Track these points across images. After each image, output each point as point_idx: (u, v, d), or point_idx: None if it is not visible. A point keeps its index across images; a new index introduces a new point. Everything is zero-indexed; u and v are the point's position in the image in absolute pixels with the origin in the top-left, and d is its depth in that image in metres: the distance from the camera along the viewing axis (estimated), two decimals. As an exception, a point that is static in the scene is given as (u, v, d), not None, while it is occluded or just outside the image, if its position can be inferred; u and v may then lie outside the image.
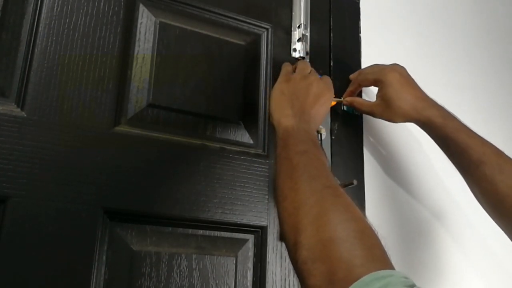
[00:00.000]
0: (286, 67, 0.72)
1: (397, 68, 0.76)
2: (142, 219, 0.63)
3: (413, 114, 0.73)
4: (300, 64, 0.72)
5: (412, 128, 0.96)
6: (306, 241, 0.46)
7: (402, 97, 0.73)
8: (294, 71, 0.71)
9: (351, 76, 0.82)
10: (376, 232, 0.48)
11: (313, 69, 0.71)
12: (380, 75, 0.75)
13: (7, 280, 0.54)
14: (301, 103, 0.64)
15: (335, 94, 0.80)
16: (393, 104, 0.73)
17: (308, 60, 0.81)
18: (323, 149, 0.65)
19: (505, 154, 0.70)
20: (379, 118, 0.78)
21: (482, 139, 0.71)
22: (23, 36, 0.61)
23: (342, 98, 0.81)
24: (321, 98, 0.66)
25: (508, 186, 0.66)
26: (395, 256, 0.84)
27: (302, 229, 0.47)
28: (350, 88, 0.81)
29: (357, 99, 0.80)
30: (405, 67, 0.98)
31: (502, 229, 0.68)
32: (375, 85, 0.77)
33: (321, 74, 0.79)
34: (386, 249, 0.47)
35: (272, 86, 0.76)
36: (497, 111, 1.10)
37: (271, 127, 0.72)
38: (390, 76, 0.74)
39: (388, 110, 0.74)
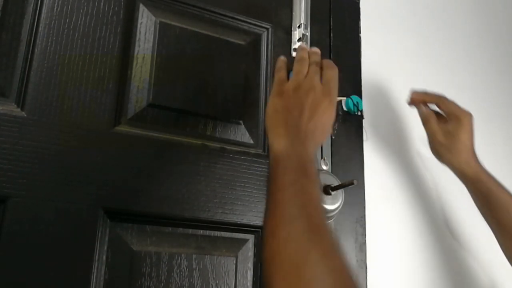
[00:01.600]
0: (279, 75, 0.63)
1: (471, 116, 0.78)
2: (142, 219, 0.63)
3: (463, 165, 0.77)
4: (295, 66, 0.63)
5: (412, 128, 0.96)
6: None
7: (466, 145, 0.76)
8: (288, 74, 0.65)
9: (427, 93, 0.82)
10: (356, 284, 0.43)
11: (313, 61, 0.64)
12: (460, 113, 0.77)
13: (8, 280, 0.54)
14: (295, 119, 0.57)
15: (335, 94, 0.81)
16: (456, 146, 0.76)
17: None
18: (317, 175, 0.55)
19: None
20: (434, 147, 0.80)
21: None
22: (23, 36, 0.61)
23: (344, 97, 0.81)
24: (319, 107, 0.58)
25: None
26: (395, 256, 0.85)
27: (275, 285, 0.43)
28: (423, 98, 0.81)
29: (434, 118, 0.80)
30: (404, 67, 0.99)
31: None
32: (448, 117, 0.78)
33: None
34: None
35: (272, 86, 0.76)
36: (497, 111, 1.10)
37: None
38: (468, 120, 0.76)
39: (448, 148, 0.77)
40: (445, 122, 0.78)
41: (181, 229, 0.65)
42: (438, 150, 0.79)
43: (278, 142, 0.55)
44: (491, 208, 0.76)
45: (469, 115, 0.77)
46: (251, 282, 0.68)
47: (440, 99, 0.80)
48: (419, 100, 0.81)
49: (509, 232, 0.74)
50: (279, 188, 0.50)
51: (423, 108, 0.81)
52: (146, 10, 0.70)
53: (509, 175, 1.06)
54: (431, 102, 0.81)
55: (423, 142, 0.96)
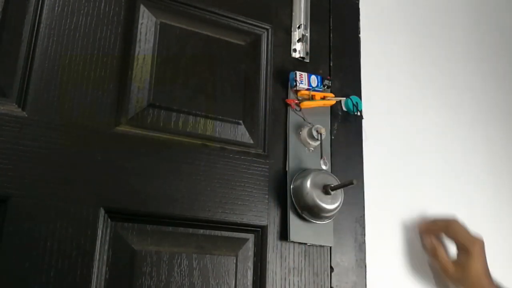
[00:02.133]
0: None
1: (481, 242, 0.78)
2: (143, 218, 0.63)
3: None
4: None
5: (411, 128, 0.96)
6: None
7: (479, 276, 0.76)
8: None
9: (436, 222, 0.83)
10: None
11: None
12: (470, 243, 0.77)
13: (8, 280, 0.55)
14: None
15: (335, 94, 0.81)
16: (469, 278, 0.76)
17: (308, 61, 0.81)
18: None
19: None
20: (446, 279, 0.81)
21: None
22: (24, 37, 0.62)
23: (344, 97, 0.82)
24: None
25: None
26: (395, 256, 0.85)
27: None
28: (431, 228, 0.83)
29: (442, 251, 0.81)
30: (404, 67, 0.99)
31: None
32: (458, 246, 0.80)
33: (321, 75, 0.79)
34: None
35: (272, 86, 0.77)
36: (497, 111, 1.10)
37: (272, 128, 0.72)
38: (478, 249, 0.77)
39: (460, 280, 0.78)
40: (457, 252, 0.79)
41: (181, 228, 0.66)
42: (451, 281, 0.80)
43: None
44: None
45: (478, 244, 0.77)
46: (251, 282, 0.68)
47: (447, 227, 0.80)
48: (427, 232, 0.82)
49: None
50: None
51: (429, 240, 0.82)
52: (146, 10, 0.70)
53: (509, 175, 1.07)
54: (440, 232, 0.82)
55: (423, 142, 0.97)
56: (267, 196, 0.71)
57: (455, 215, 0.84)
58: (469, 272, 0.76)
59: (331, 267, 0.74)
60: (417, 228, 0.84)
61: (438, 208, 0.93)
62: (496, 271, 0.80)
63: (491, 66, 1.13)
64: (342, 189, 0.72)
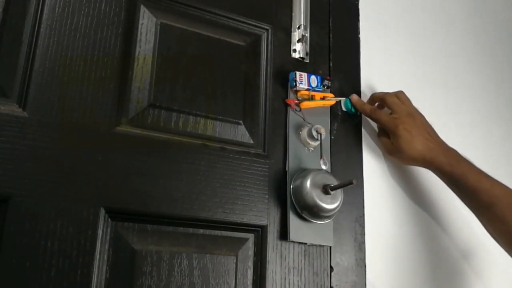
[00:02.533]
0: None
1: (408, 117, 0.79)
2: (143, 218, 0.64)
3: (421, 163, 0.80)
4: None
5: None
6: None
7: (412, 147, 0.78)
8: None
9: (376, 95, 0.85)
10: None
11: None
12: (392, 125, 0.79)
13: (9, 279, 0.55)
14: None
15: (335, 94, 0.81)
16: (404, 153, 0.79)
17: (308, 61, 0.82)
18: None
19: None
20: (390, 156, 0.84)
21: (492, 181, 0.75)
22: (25, 37, 0.62)
23: (344, 97, 0.82)
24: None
25: None
26: (395, 256, 0.85)
27: None
28: (370, 102, 0.85)
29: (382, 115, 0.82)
30: (403, 67, 0.99)
31: None
32: (385, 127, 0.81)
33: (321, 75, 0.80)
34: None
35: (272, 87, 0.77)
36: (497, 111, 1.11)
37: (272, 128, 0.72)
38: (401, 128, 0.78)
39: (399, 154, 0.81)
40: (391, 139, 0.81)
41: (181, 228, 0.66)
42: (396, 157, 0.83)
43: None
44: (461, 196, 0.78)
45: (402, 122, 0.79)
46: (251, 281, 0.68)
47: (383, 96, 0.83)
48: (364, 108, 0.84)
49: (483, 216, 0.76)
50: None
51: (369, 111, 0.83)
52: (147, 11, 0.70)
53: (509, 175, 1.07)
54: (377, 101, 0.84)
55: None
56: (267, 196, 0.72)
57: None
58: (402, 150, 0.79)
59: (331, 266, 0.74)
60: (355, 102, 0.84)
61: (438, 208, 0.93)
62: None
63: (491, 66, 1.13)
64: (341, 189, 0.72)
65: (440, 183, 0.92)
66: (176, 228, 0.65)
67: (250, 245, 0.70)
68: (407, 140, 0.78)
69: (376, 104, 0.85)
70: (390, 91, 0.94)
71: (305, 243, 0.73)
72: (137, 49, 0.68)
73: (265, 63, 0.78)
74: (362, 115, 0.85)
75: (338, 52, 0.85)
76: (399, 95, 0.82)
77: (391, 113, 0.82)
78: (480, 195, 0.74)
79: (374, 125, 0.88)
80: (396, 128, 0.78)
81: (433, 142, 0.79)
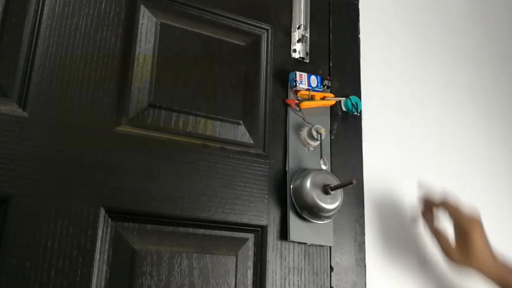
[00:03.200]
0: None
1: (479, 221, 0.78)
2: (143, 218, 0.64)
3: (484, 268, 0.77)
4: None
5: (411, 128, 0.96)
6: None
7: (481, 255, 0.76)
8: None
9: (437, 199, 0.82)
10: None
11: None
12: (468, 225, 0.77)
13: (9, 279, 0.55)
14: None
15: (335, 94, 0.81)
16: (472, 258, 0.76)
17: (307, 61, 0.82)
18: None
19: None
20: (452, 262, 0.80)
21: None
22: (25, 37, 0.62)
23: (344, 98, 0.82)
24: None
25: None
26: (394, 256, 0.85)
27: None
28: (427, 206, 0.83)
29: (443, 236, 0.81)
30: (403, 67, 0.99)
31: None
32: (456, 228, 0.79)
33: (320, 75, 0.80)
34: None
35: (272, 87, 0.77)
36: (496, 111, 1.11)
37: (272, 128, 0.72)
38: (477, 230, 0.76)
39: (464, 258, 0.78)
40: (456, 233, 0.79)
41: (181, 228, 0.66)
42: (457, 264, 0.79)
43: None
44: None
45: (477, 224, 0.77)
46: (251, 281, 0.68)
47: (446, 208, 0.80)
48: (427, 219, 0.82)
49: None
50: None
51: (431, 226, 0.82)
52: (147, 11, 0.70)
53: (508, 175, 1.07)
54: (437, 208, 0.81)
55: (423, 142, 0.97)
56: (267, 196, 0.72)
57: (446, 191, 0.83)
58: (471, 252, 0.76)
59: (331, 266, 0.74)
60: (419, 209, 0.83)
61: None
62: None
63: (491, 66, 1.13)
64: (341, 189, 0.72)
65: (440, 182, 0.92)
66: (176, 228, 0.65)
67: (250, 245, 0.70)
68: (482, 242, 0.76)
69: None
70: (390, 91, 0.95)
71: (305, 243, 0.73)
72: (137, 49, 0.68)
73: (265, 63, 0.78)
74: (362, 115, 0.85)
75: (338, 52, 0.85)
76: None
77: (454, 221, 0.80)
78: None
79: (374, 125, 0.88)
80: (472, 231, 0.76)
81: (495, 256, 0.78)
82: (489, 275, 0.76)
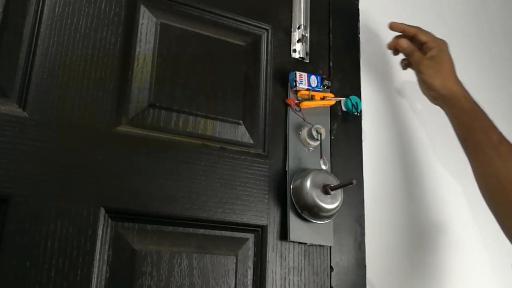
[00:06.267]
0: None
1: (446, 42, 0.84)
2: (143, 218, 0.64)
3: (447, 84, 0.82)
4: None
5: (411, 128, 0.96)
6: None
7: (448, 67, 0.83)
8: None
9: (408, 26, 0.86)
10: None
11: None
12: (438, 40, 0.84)
13: (9, 279, 0.55)
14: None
15: (335, 94, 0.81)
16: (440, 67, 0.82)
17: (308, 61, 0.82)
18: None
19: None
20: (421, 75, 0.84)
21: (501, 137, 0.77)
22: (25, 37, 0.62)
23: (344, 98, 0.82)
24: None
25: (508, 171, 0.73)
26: (395, 256, 0.85)
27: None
28: (404, 28, 0.86)
29: (416, 50, 0.85)
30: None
31: (498, 221, 0.74)
32: (428, 46, 0.84)
33: (320, 75, 0.80)
34: None
35: (272, 87, 0.77)
36: (497, 111, 1.10)
37: (272, 128, 0.72)
38: (445, 45, 0.84)
39: (433, 71, 0.82)
40: (428, 52, 0.83)
41: (181, 228, 0.66)
42: (426, 78, 0.83)
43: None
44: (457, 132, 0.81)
45: (444, 43, 0.84)
46: (251, 281, 0.68)
47: (417, 31, 0.84)
48: (399, 28, 0.86)
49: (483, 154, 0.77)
50: None
51: (405, 43, 0.85)
52: (147, 11, 0.70)
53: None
54: (410, 34, 0.85)
55: (423, 142, 0.97)
56: (267, 196, 0.72)
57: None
58: (441, 62, 0.82)
59: (330, 266, 0.74)
60: (390, 27, 0.86)
61: (438, 208, 0.93)
62: None
63: (491, 66, 1.13)
64: (341, 189, 0.72)
65: (441, 181, 0.92)
66: (176, 228, 0.65)
67: (250, 245, 0.70)
68: (449, 59, 0.83)
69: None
70: (390, 91, 0.95)
71: (305, 243, 0.73)
72: (137, 49, 0.68)
73: (265, 63, 0.78)
74: (362, 115, 0.85)
75: (338, 52, 0.85)
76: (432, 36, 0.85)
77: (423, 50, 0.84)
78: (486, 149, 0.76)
79: (374, 125, 0.88)
80: (443, 44, 0.83)
81: (451, 79, 0.82)
82: (448, 91, 0.81)
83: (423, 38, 0.84)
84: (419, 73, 0.84)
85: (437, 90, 0.81)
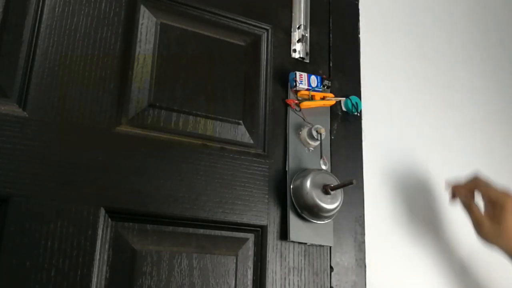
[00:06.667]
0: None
1: (498, 214, 0.78)
2: (143, 218, 0.64)
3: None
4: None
5: (411, 128, 0.96)
6: None
7: (496, 243, 0.78)
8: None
9: (467, 183, 0.83)
10: None
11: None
12: (501, 198, 0.78)
13: (9, 279, 0.55)
14: None
15: (335, 94, 0.81)
16: (504, 231, 0.77)
17: (308, 61, 0.82)
18: None
19: None
20: (481, 235, 0.81)
21: None
22: (25, 37, 0.62)
23: (344, 98, 0.82)
24: None
25: None
26: (394, 256, 0.85)
27: None
28: (463, 188, 0.83)
29: (475, 206, 0.82)
30: (403, 67, 0.99)
31: None
32: (490, 203, 0.80)
33: (320, 75, 0.80)
34: None
35: (272, 87, 0.77)
36: (497, 111, 1.11)
37: (272, 128, 0.72)
38: (510, 203, 0.77)
39: (495, 235, 0.78)
40: (488, 208, 0.80)
41: (181, 228, 0.66)
42: (487, 237, 0.80)
43: None
44: None
45: (510, 198, 0.78)
46: (251, 281, 0.68)
47: (477, 185, 0.81)
48: (460, 192, 0.83)
49: None
50: None
51: (464, 198, 0.83)
52: (147, 11, 0.70)
53: (508, 175, 1.07)
54: (471, 190, 0.82)
55: (423, 142, 0.97)
56: (267, 196, 0.72)
57: (477, 171, 0.84)
58: (504, 226, 0.77)
59: (331, 266, 0.74)
60: (450, 194, 0.84)
61: (438, 208, 0.93)
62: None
63: (491, 66, 1.13)
64: (341, 189, 0.72)
65: (440, 182, 0.92)
66: (176, 228, 0.65)
67: (250, 245, 0.70)
68: (490, 237, 0.78)
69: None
70: (390, 91, 0.95)
71: (305, 243, 0.73)
72: (137, 49, 0.68)
73: (265, 63, 0.78)
74: (362, 115, 0.85)
75: (338, 52, 0.85)
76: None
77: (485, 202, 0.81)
78: None
79: (374, 125, 0.88)
80: (506, 202, 0.77)
81: None
82: None
83: (484, 194, 0.80)
84: (477, 227, 0.81)
85: (500, 248, 0.79)
